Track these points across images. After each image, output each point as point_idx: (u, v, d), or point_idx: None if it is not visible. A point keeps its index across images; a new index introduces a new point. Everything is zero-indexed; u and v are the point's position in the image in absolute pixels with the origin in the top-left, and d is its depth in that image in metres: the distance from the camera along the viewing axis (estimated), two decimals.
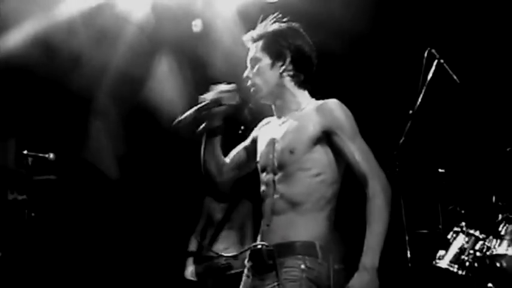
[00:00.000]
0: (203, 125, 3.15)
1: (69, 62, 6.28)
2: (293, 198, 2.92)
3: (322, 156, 2.94)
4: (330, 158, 2.95)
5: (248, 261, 3.05)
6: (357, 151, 2.91)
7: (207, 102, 3.05)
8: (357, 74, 6.20)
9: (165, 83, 6.59)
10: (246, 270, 3.06)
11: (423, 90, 4.48)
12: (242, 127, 3.41)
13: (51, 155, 4.90)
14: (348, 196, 3.18)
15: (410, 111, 4.49)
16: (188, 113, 3.03)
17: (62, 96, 6.80)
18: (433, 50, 4.58)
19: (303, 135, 2.95)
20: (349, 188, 3.07)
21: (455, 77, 4.54)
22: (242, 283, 3.04)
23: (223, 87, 3.09)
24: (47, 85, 6.61)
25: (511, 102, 5.91)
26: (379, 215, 2.83)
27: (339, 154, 2.95)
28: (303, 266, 2.84)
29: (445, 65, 4.56)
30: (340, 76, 3.72)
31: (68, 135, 7.10)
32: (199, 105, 3.05)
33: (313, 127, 2.94)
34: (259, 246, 2.97)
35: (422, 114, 4.50)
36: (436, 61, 4.56)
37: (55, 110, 7.03)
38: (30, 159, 4.89)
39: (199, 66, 6.29)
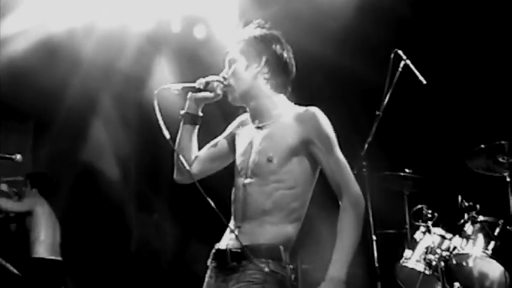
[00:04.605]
0: (184, 109, 3.19)
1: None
2: (264, 206, 2.93)
3: (296, 167, 2.95)
4: (304, 169, 2.97)
5: (212, 262, 3.04)
6: (334, 163, 2.93)
7: (197, 82, 3.14)
8: (324, 74, 6.21)
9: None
10: (209, 271, 3.05)
11: (390, 91, 4.50)
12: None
13: (18, 156, 4.83)
14: (321, 197, 3.19)
15: (377, 112, 4.51)
16: (176, 85, 3.14)
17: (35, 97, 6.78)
18: (400, 51, 4.61)
19: (281, 145, 2.96)
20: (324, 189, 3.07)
21: (421, 78, 4.57)
22: (205, 284, 3.02)
23: (214, 77, 3.14)
24: None
25: (476, 102, 5.98)
26: (349, 229, 2.87)
27: (314, 163, 2.98)
28: (266, 269, 2.84)
29: (411, 66, 4.59)
30: (307, 76, 3.71)
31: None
32: (189, 83, 3.14)
33: (292, 137, 2.95)
34: (225, 247, 2.98)
35: (389, 115, 4.53)
36: (402, 62, 4.58)
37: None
38: None
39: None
